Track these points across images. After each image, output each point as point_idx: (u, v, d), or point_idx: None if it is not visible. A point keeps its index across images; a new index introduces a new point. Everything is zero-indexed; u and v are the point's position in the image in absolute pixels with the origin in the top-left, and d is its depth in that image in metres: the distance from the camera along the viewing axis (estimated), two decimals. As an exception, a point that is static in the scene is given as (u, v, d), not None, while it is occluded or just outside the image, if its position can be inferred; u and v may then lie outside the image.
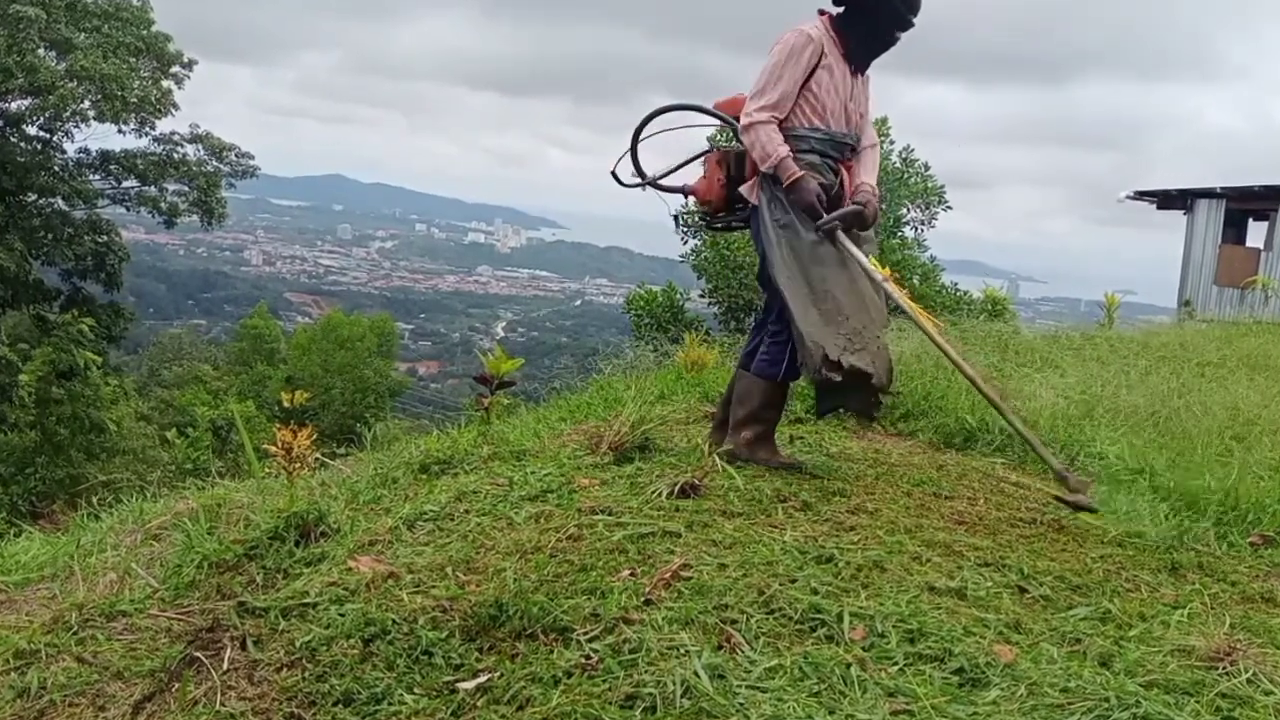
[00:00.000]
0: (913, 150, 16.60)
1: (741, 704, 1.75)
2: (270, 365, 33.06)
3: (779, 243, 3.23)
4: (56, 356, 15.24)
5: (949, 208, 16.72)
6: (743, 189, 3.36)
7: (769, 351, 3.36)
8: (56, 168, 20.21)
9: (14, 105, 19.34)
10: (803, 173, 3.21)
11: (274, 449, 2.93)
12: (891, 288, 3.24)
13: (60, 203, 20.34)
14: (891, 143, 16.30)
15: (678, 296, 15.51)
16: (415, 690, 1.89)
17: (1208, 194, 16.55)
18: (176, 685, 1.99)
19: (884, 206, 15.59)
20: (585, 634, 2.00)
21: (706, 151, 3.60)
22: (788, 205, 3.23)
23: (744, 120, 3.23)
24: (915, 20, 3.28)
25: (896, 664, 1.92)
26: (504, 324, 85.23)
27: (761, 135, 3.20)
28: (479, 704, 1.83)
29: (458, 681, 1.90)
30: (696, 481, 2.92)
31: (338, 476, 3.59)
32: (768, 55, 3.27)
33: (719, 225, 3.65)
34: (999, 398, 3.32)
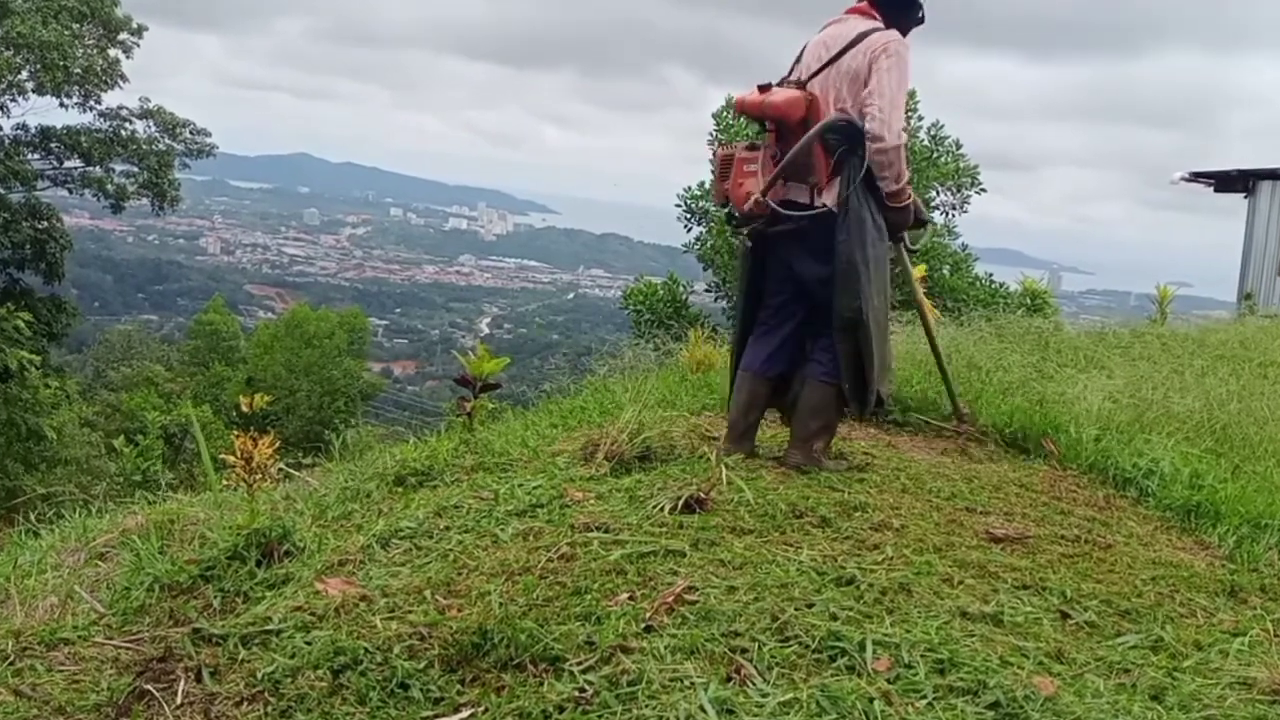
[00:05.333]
0: (942, 127, 16.60)
1: (752, 742, 1.75)
2: (229, 365, 33.09)
3: (876, 272, 3.40)
4: (-10, 356, 15.25)
5: (983, 190, 16.70)
6: (826, 198, 3.44)
7: (826, 356, 3.56)
8: (-10, 146, 20.20)
9: (-57, 77, 19.33)
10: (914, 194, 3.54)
11: (233, 459, 2.93)
12: (919, 288, 4.25)
13: (-5, 185, 20.34)
14: (920, 119, 16.28)
15: (681, 289, 15.46)
16: (390, 727, 1.89)
17: (1271, 175, 16.48)
18: (124, 721, 1.99)
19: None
20: (579, 664, 2.00)
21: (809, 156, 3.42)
22: (882, 229, 3.44)
23: (895, 139, 3.35)
24: None
25: (925, 697, 1.92)
26: (488, 319, 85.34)
27: (903, 155, 3.39)
28: (461, 742, 1.84)
29: (437, 717, 1.90)
30: (703, 494, 2.92)
31: (303, 489, 3.59)
32: (877, 61, 3.35)
33: (760, 228, 3.59)
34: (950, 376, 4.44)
